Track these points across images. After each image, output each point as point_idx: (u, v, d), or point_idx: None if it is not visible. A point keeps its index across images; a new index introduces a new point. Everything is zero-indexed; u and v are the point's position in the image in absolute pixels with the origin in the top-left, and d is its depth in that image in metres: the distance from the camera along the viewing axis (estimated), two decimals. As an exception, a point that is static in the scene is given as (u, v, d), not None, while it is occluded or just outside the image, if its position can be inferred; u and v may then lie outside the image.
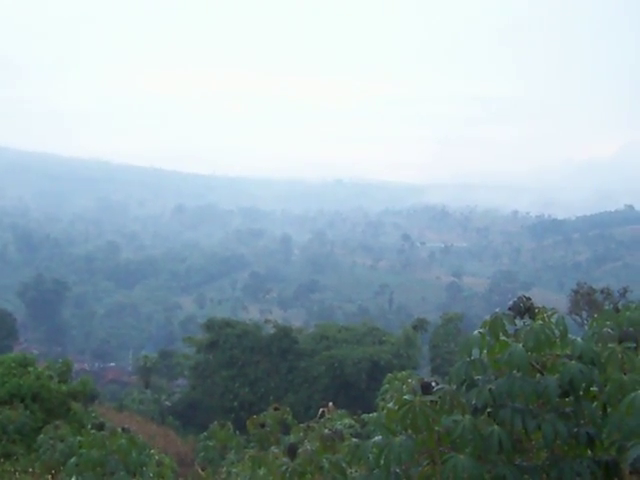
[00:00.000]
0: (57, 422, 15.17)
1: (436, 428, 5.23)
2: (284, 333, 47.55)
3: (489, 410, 5.11)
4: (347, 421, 12.69)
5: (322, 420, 11.59)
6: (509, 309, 5.38)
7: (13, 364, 21.31)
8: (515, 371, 5.00)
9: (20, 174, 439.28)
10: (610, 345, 5.15)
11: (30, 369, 21.40)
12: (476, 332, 5.35)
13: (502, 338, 5.27)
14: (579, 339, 5.16)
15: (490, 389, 5.05)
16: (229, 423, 15.59)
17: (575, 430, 4.89)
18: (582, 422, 4.98)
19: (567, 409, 5.00)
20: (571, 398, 5.02)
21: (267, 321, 51.85)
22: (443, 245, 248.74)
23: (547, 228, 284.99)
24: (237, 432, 16.39)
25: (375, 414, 13.12)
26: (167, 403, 47.92)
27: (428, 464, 5.29)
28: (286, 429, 11.64)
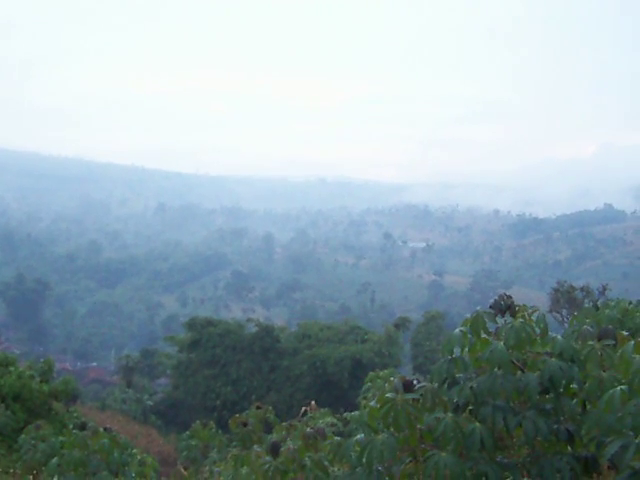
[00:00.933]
0: (39, 422, 15.05)
1: (418, 426, 5.25)
2: (266, 332, 47.52)
3: (471, 408, 5.14)
4: (329, 419, 12.71)
5: (304, 419, 11.60)
6: (490, 307, 5.41)
7: (-6, 364, 21.17)
8: (496, 369, 5.03)
9: (1, 173, 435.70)
10: (590, 342, 5.19)
11: (11, 369, 21.25)
12: (457, 330, 5.37)
13: (483, 336, 5.30)
14: (559, 337, 5.20)
15: (472, 387, 5.08)
16: (212, 422, 15.57)
17: (555, 427, 4.93)
18: (562, 419, 5.02)
19: (547, 406, 5.04)
20: (551, 395, 5.06)
21: (249, 320, 51.80)
22: (425, 244, 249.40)
23: (528, 227, 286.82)
24: (220, 431, 16.38)
25: (357, 412, 13.17)
26: (149, 402, 47.75)
27: (410, 462, 5.31)
28: (268, 428, 11.64)
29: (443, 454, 4.86)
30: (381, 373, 18.56)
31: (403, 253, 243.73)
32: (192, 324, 48.76)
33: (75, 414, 22.67)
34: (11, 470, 16.20)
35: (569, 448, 5.02)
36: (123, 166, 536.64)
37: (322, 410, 13.18)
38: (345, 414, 13.97)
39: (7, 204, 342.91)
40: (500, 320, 5.34)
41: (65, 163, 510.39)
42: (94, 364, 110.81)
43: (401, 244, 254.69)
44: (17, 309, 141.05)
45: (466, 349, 5.35)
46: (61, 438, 12.69)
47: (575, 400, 5.12)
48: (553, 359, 4.98)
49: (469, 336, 5.32)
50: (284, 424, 9.80)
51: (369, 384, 17.75)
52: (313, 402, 13.24)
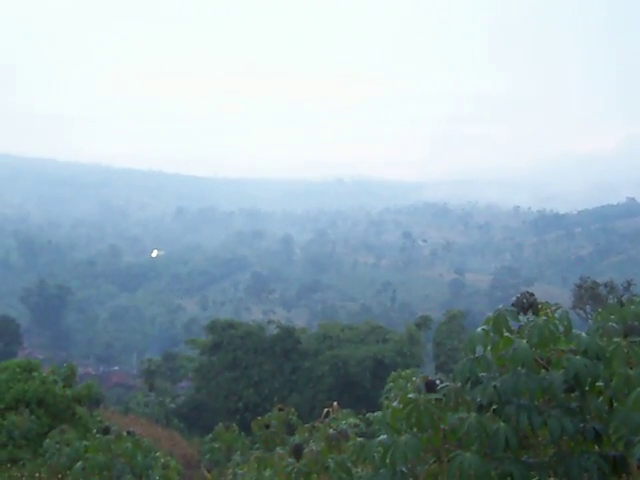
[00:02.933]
0: (63, 426, 15.15)
1: (442, 426, 5.20)
2: (287, 333, 47.50)
3: (494, 407, 5.08)
4: (352, 420, 12.66)
5: (327, 420, 11.56)
6: (512, 305, 5.35)
7: (18, 369, 21.28)
8: (520, 367, 4.96)
9: (21, 181, 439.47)
10: (615, 339, 5.12)
11: (35, 374, 21.36)
12: (480, 329, 5.31)
13: (506, 334, 5.23)
14: (584, 334, 5.13)
15: (495, 386, 5.02)
16: (234, 424, 15.57)
17: (581, 426, 4.86)
18: (588, 417, 4.95)
19: (573, 405, 4.97)
20: (577, 393, 4.99)
21: (270, 322, 51.81)
22: (445, 242, 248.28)
23: (549, 223, 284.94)
24: (242, 433, 16.37)
25: (380, 413, 13.11)
26: (172, 405, 47.86)
27: (434, 462, 5.27)
28: (291, 429, 11.61)
29: (467, 454, 4.81)
30: (403, 373, 18.50)
31: (423, 252, 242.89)
32: (213, 327, 48.82)
33: (98, 418, 22.76)
34: (37, 474, 16.32)
35: (596, 447, 4.95)
36: (141, 171, 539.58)
37: (344, 411, 13.13)
38: (368, 415, 13.92)
39: (27, 211, 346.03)
40: (523, 318, 5.27)
41: (83, 169, 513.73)
42: (116, 368, 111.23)
43: (421, 243, 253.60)
44: (39, 315, 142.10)
45: (489, 348, 5.29)
46: (85, 442, 12.72)
47: (601, 398, 5.05)
48: (578, 357, 4.90)
49: (492, 335, 5.26)
50: (306, 426, 9.77)
51: (391, 384, 17.69)
52: (335, 403, 13.20)
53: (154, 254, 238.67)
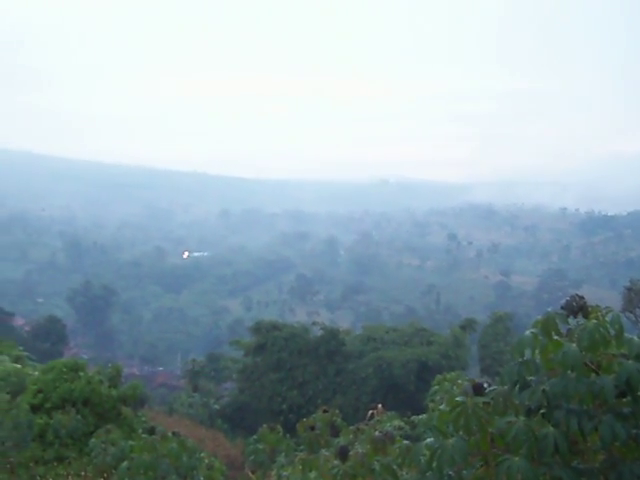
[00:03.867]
0: (108, 426, 15.33)
1: (489, 430, 5.15)
2: (331, 335, 47.48)
3: (543, 411, 5.01)
4: (397, 423, 12.60)
5: (371, 422, 11.52)
6: (562, 308, 5.27)
7: (64, 369, 21.57)
8: (569, 371, 4.89)
9: (66, 183, 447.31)
10: (668, 343, 5.01)
11: (81, 374, 21.63)
12: (528, 332, 5.25)
13: (555, 338, 5.16)
14: (635, 338, 5.03)
15: (544, 390, 4.96)
16: (278, 426, 15.58)
17: (634, 431, 4.77)
18: (641, 423, 4.85)
19: (625, 410, 4.87)
20: (629, 398, 4.90)
21: (314, 323, 51.85)
22: (490, 244, 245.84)
23: (597, 224, 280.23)
24: (286, 435, 16.39)
25: (425, 416, 13.02)
26: (216, 406, 48.18)
27: (481, 466, 5.21)
28: (335, 431, 11.59)
29: (515, 459, 4.75)
30: (448, 376, 18.34)
31: (468, 254, 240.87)
32: (257, 328, 48.99)
33: (143, 418, 22.97)
34: (82, 473, 16.56)
35: (649, 454, 4.84)
36: (185, 173, 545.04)
37: (389, 413, 13.07)
38: (413, 417, 13.83)
39: (73, 213, 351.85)
40: (572, 321, 5.20)
41: (129, 171, 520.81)
42: (161, 369, 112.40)
43: (466, 245, 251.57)
44: (85, 315, 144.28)
45: (537, 351, 5.22)
46: (130, 442, 12.87)
47: (655, 404, 4.94)
48: (630, 361, 4.82)
49: (540, 338, 5.19)
50: (351, 428, 9.74)
51: (436, 387, 17.57)
52: (380, 405, 13.14)
53: (185, 255, 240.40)
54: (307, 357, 47.21)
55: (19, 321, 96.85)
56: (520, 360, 5.18)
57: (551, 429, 4.80)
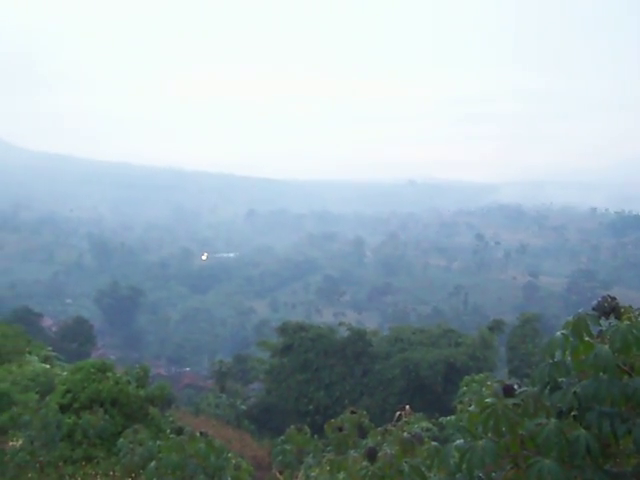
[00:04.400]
0: (136, 426, 15.41)
1: (519, 432, 5.10)
2: (358, 336, 47.42)
3: (574, 413, 4.96)
4: (425, 424, 12.54)
5: (399, 423, 11.48)
6: (593, 309, 5.21)
7: (92, 369, 21.77)
8: (601, 373, 4.84)
9: (94, 184, 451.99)
10: (703, 345, 4.93)
11: (109, 374, 21.80)
12: (559, 333, 5.20)
13: (586, 339, 5.10)
14: (669, 339, 4.95)
15: (575, 392, 4.90)
16: (306, 427, 15.57)
17: (668, 434, 4.69)
18: (675, 426, 4.78)
19: (659, 412, 4.81)
20: (662, 401, 4.82)
21: (341, 324, 51.74)
22: (518, 244, 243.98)
23: (628, 224, 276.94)
24: (314, 436, 16.39)
25: (453, 417, 12.95)
26: (242, 407, 48.27)
27: (512, 468, 5.16)
28: (362, 433, 11.56)
29: (546, 461, 4.70)
30: (476, 377, 18.26)
31: (496, 254, 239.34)
32: (284, 329, 49.04)
33: (171, 419, 23.12)
34: (111, 473, 16.70)
35: (684, 458, 4.77)
36: (212, 174, 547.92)
37: (416, 415, 13.02)
38: (441, 419, 13.76)
39: (101, 214, 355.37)
40: (604, 323, 5.14)
41: (156, 172, 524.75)
42: (187, 369, 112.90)
43: (494, 245, 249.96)
44: (112, 316, 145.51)
45: (568, 353, 5.17)
46: (158, 442, 12.93)
47: (689, 406, 4.86)
48: (664, 363, 4.75)
49: (571, 339, 5.13)
50: (379, 429, 9.71)
51: (465, 388, 17.47)
52: (407, 406, 13.10)
53: (204, 257, 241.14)
54: (334, 358, 47.18)
55: (47, 322, 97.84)
56: (551, 361, 5.13)
57: (583, 432, 4.74)
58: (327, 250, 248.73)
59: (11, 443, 18.00)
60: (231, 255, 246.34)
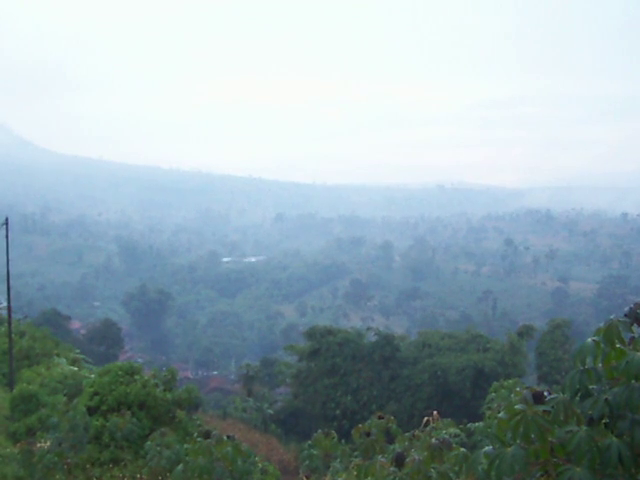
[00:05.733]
0: (163, 429, 15.48)
1: (549, 439, 5.04)
2: (386, 341, 47.27)
3: (605, 421, 4.88)
4: (453, 430, 12.46)
5: (427, 429, 11.41)
6: (625, 315, 5.14)
7: (120, 372, 21.94)
8: (633, 380, 4.76)
9: (123, 187, 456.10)
10: None
11: (136, 377, 21.96)
12: (590, 340, 5.12)
13: (618, 346, 5.03)
14: None
15: (606, 399, 4.83)
16: (333, 431, 15.54)
17: (702, 443, 4.61)
18: None
19: (693, 421, 4.72)
20: (697, 409, 4.74)
21: (369, 329, 51.63)
22: (548, 250, 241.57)
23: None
24: (341, 441, 16.34)
25: (482, 423, 12.84)
26: (269, 411, 48.28)
27: (541, 476, 5.10)
28: (390, 438, 11.51)
29: (577, 469, 4.64)
30: (505, 383, 18.14)
31: (525, 259, 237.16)
32: (311, 333, 49.02)
33: (198, 422, 23.21)
34: (138, 475, 16.79)
35: None
36: (241, 178, 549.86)
37: (445, 420, 12.93)
38: (469, 425, 13.66)
39: (129, 217, 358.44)
40: (636, 329, 5.06)
41: (184, 176, 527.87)
42: (215, 373, 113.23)
43: (523, 250, 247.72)
44: (140, 319, 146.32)
45: (599, 359, 5.09)
46: (185, 445, 12.97)
47: None
48: (698, 370, 4.66)
49: (602, 346, 5.06)
50: (407, 434, 9.66)
51: (493, 394, 17.35)
52: (435, 412, 13.01)
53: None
54: (361, 363, 47.07)
55: (75, 324, 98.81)
56: (581, 368, 5.06)
57: (614, 439, 4.67)
58: (355, 254, 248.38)
59: (39, 444, 18.16)
60: (259, 259, 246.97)
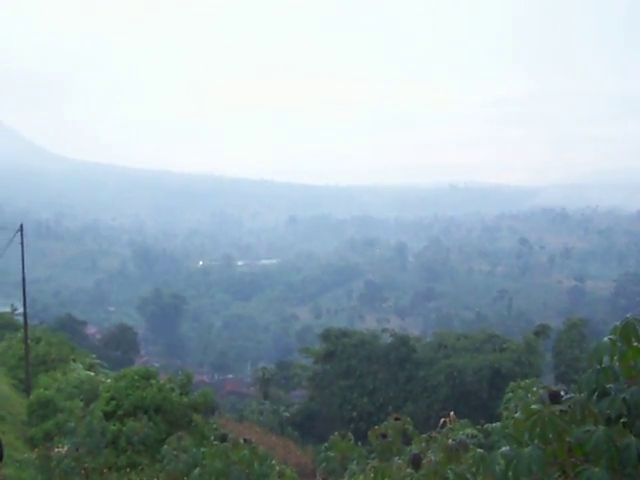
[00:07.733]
0: (180, 433, 15.50)
1: (567, 439, 5.00)
2: (402, 342, 47.20)
3: (624, 420, 4.84)
4: (470, 431, 12.40)
5: (444, 430, 11.37)
6: (642, 313, 5.10)
7: (136, 377, 22.01)
8: (651, 379, 4.72)
9: (136, 192, 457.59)
10: None
11: (152, 382, 22.02)
12: (606, 338, 5.09)
13: (635, 344, 4.99)
14: None
15: (624, 398, 4.79)
16: (350, 433, 15.51)
17: None
18: None
19: None
20: None
21: (384, 330, 51.60)
22: (563, 248, 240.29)
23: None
24: (357, 443, 16.31)
25: (499, 424, 12.78)
26: (286, 414, 48.32)
27: (559, 476, 5.06)
28: (407, 439, 11.48)
29: (596, 469, 4.60)
30: (522, 383, 18.04)
31: (540, 258, 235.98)
32: (327, 335, 49.03)
33: (214, 426, 23.22)
34: (155, 479, 16.81)
35: None
36: (253, 181, 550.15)
37: (461, 421, 12.88)
38: (486, 425, 13.59)
39: (143, 221, 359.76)
40: (654, 327, 5.01)
41: (196, 180, 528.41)
42: (230, 376, 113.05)
43: (538, 249, 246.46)
44: (155, 323, 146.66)
45: (616, 358, 5.05)
46: (202, 449, 12.98)
47: None
48: None
49: (619, 344, 5.02)
50: (423, 436, 9.63)
51: (510, 394, 17.27)
52: (452, 413, 12.97)
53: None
54: (377, 364, 47.02)
55: (91, 329, 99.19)
56: (598, 367, 5.03)
57: (633, 439, 4.63)
58: (369, 255, 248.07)
59: (57, 449, 18.26)
60: (273, 261, 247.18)
